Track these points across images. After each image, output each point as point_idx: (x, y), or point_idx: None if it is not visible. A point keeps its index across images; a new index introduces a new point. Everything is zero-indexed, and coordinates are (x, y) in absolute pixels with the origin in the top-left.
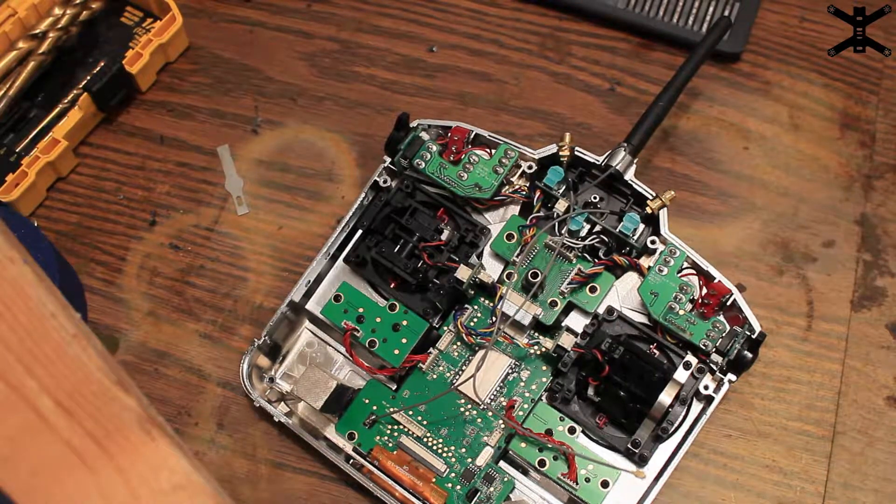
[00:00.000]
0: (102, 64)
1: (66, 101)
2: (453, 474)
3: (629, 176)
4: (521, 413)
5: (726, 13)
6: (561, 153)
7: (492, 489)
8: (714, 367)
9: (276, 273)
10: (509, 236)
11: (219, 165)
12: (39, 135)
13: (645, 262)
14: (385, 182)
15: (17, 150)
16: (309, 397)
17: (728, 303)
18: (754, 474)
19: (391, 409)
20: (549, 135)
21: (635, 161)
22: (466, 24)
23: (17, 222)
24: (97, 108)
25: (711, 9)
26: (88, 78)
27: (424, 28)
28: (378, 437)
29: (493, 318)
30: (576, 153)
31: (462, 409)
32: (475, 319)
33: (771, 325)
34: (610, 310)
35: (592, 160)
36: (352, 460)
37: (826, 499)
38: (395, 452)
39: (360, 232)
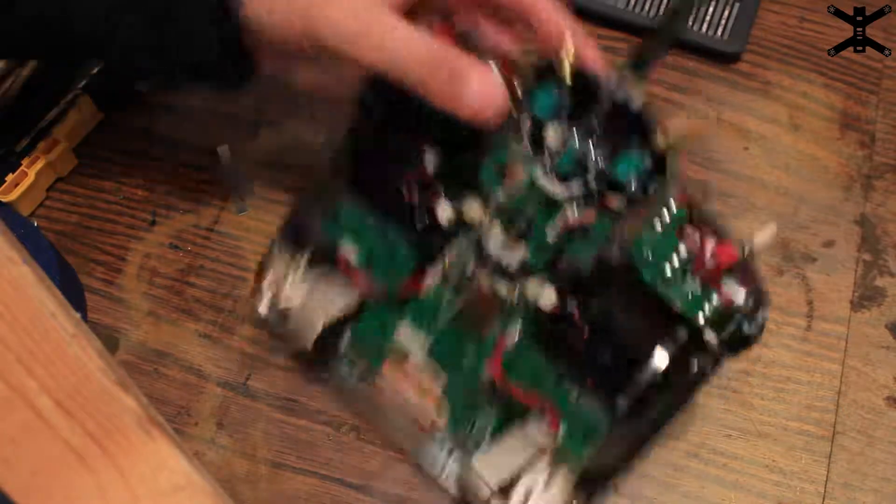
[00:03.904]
0: (102, 64)
1: (66, 101)
2: (454, 402)
3: (635, 106)
4: (507, 361)
5: (726, 13)
6: (559, 66)
7: (485, 423)
8: (709, 344)
9: None
10: (499, 170)
11: (219, 165)
12: (39, 135)
13: (643, 213)
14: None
15: (17, 150)
16: (302, 335)
17: (733, 270)
18: (754, 474)
19: (388, 337)
20: None
21: (643, 88)
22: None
23: (17, 222)
24: (97, 108)
25: (711, 9)
26: (88, 78)
27: None
28: (376, 359)
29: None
30: (577, 71)
31: (462, 341)
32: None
33: (770, 325)
34: (601, 265)
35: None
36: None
37: (826, 499)
38: (397, 374)
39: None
